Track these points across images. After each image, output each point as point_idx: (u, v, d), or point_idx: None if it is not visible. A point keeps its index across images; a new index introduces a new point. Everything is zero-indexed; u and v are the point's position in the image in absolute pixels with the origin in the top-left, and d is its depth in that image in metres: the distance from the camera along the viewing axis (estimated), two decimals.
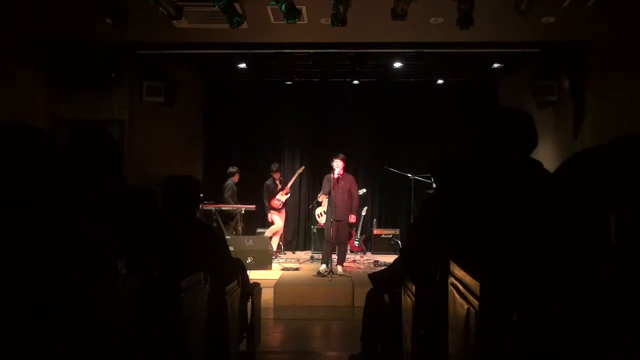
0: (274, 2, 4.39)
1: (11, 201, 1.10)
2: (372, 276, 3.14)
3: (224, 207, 7.85)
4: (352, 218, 6.64)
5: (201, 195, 3.46)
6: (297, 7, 4.49)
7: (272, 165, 8.20)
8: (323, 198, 6.71)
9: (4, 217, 1.08)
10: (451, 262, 1.64)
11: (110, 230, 1.55)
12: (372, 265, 7.24)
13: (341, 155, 6.46)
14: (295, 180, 8.26)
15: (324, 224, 7.01)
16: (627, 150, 1.13)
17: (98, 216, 1.42)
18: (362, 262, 7.66)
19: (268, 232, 7.91)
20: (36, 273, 1.11)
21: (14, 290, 1.06)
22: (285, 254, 8.33)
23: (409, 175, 7.81)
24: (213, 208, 7.72)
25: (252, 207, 8.12)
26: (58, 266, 1.16)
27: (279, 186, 8.09)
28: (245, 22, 4.88)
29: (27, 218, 1.11)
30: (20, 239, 1.10)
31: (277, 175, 8.13)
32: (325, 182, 6.60)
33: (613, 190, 1.11)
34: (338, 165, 6.39)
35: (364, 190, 8.08)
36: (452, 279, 1.62)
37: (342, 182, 6.42)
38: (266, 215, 8.17)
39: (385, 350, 3.02)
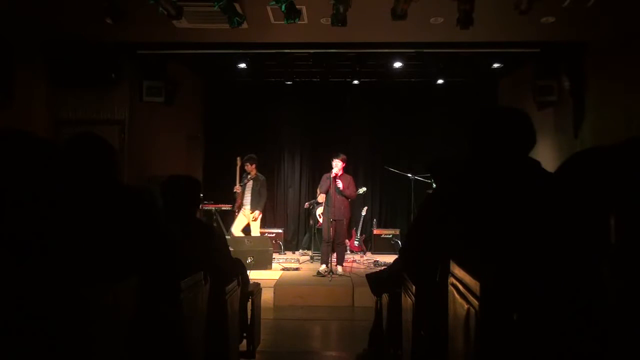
0: (274, 2, 4.39)
1: (14, 206, 1.10)
2: (370, 276, 3.13)
3: (224, 207, 7.86)
4: (347, 191, 6.43)
5: (201, 195, 3.46)
6: (297, 7, 4.49)
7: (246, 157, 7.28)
8: (322, 198, 6.69)
9: (7, 221, 1.08)
10: (451, 262, 1.64)
11: (109, 231, 1.55)
12: (372, 265, 7.23)
13: (341, 156, 6.43)
14: (240, 177, 7.27)
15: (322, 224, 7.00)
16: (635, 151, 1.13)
17: (96, 218, 1.42)
18: (362, 262, 7.66)
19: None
20: (36, 274, 1.11)
21: (15, 290, 1.06)
22: (285, 254, 8.33)
23: (409, 175, 7.81)
24: (213, 208, 7.72)
25: None
26: (58, 268, 1.16)
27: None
28: (245, 22, 4.88)
29: (29, 222, 1.11)
30: (22, 241, 1.10)
31: (248, 168, 7.24)
32: (323, 181, 6.58)
33: (617, 190, 1.11)
34: (337, 165, 6.37)
35: (364, 188, 8.04)
36: (452, 279, 1.62)
37: (341, 185, 6.39)
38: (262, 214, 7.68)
39: (385, 350, 3.02)
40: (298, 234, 9.20)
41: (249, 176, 7.30)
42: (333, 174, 6.34)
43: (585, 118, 5.93)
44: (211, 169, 8.84)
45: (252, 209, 7.21)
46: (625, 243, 1.05)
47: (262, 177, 7.34)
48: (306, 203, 8.55)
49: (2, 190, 1.09)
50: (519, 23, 4.90)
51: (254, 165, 7.30)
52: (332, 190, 6.38)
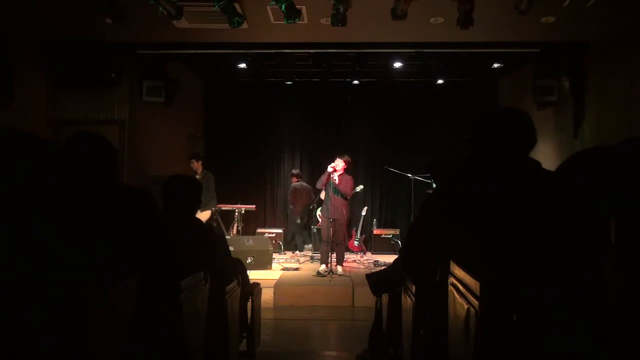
0: (274, 2, 4.39)
1: (14, 206, 1.10)
2: (370, 276, 3.13)
3: (224, 207, 7.87)
4: (341, 186, 6.40)
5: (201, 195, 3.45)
6: (297, 7, 4.49)
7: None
8: (324, 194, 6.69)
9: (10, 222, 1.08)
10: (451, 262, 1.64)
11: (109, 231, 1.55)
12: (372, 265, 7.24)
13: (345, 156, 6.43)
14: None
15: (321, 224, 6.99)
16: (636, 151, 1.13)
17: (96, 217, 1.42)
18: (362, 262, 7.66)
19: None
20: (36, 274, 1.11)
21: (14, 290, 1.06)
22: (285, 254, 8.34)
23: (409, 175, 7.81)
24: (213, 208, 7.72)
25: (252, 207, 8.14)
26: (58, 268, 1.16)
27: None
28: (245, 22, 4.88)
29: (29, 222, 1.11)
30: (22, 241, 1.10)
31: (194, 166, 6.91)
32: (323, 176, 6.57)
33: (617, 190, 1.11)
34: (338, 163, 6.37)
35: (361, 186, 7.99)
36: (452, 279, 1.62)
37: (337, 179, 6.39)
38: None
39: (385, 350, 3.02)
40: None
41: (196, 176, 6.95)
42: (331, 169, 6.34)
43: (585, 118, 5.93)
44: (211, 169, 8.83)
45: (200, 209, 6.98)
46: (625, 243, 1.05)
47: (209, 174, 7.04)
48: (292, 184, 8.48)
49: (1, 190, 1.09)
50: (519, 23, 4.90)
51: (199, 162, 6.94)
52: (330, 190, 6.39)
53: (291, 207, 8.49)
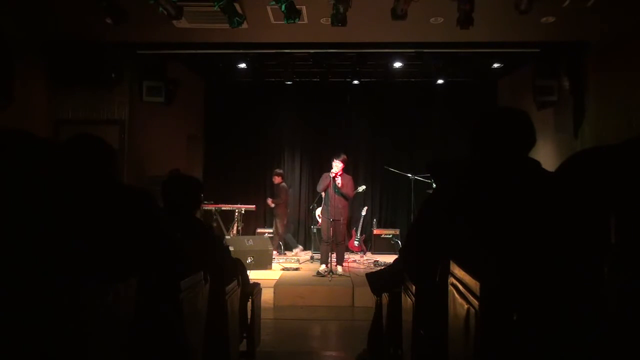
0: (274, 2, 4.39)
1: (14, 206, 1.10)
2: (370, 276, 3.13)
3: (224, 207, 7.88)
4: (344, 189, 6.44)
5: (202, 195, 3.46)
6: (297, 7, 4.49)
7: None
8: (324, 194, 6.70)
9: (9, 222, 1.08)
10: (451, 262, 1.64)
11: (109, 231, 1.55)
12: (372, 265, 7.24)
13: (342, 156, 6.43)
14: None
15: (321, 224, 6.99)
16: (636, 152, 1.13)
17: (96, 218, 1.42)
18: (362, 262, 7.66)
19: None
20: (36, 274, 1.11)
21: (14, 290, 1.06)
22: (285, 254, 8.33)
23: (409, 175, 7.81)
24: (213, 208, 7.73)
25: (252, 207, 8.14)
26: (58, 268, 1.16)
27: None
28: (245, 22, 4.88)
29: (29, 222, 1.11)
30: (22, 241, 1.10)
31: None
32: (323, 179, 6.57)
33: (617, 190, 1.11)
34: (337, 165, 6.37)
35: (364, 186, 7.96)
36: (452, 279, 1.62)
37: (340, 182, 6.40)
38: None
39: (385, 350, 3.02)
40: (298, 234, 9.20)
41: None
42: (333, 174, 6.35)
43: (585, 118, 5.93)
44: (211, 169, 8.85)
45: None
46: (626, 243, 1.05)
47: None
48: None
49: (1, 190, 1.09)
50: (519, 23, 4.90)
51: None
52: (330, 190, 6.39)
53: (273, 205, 8.39)
